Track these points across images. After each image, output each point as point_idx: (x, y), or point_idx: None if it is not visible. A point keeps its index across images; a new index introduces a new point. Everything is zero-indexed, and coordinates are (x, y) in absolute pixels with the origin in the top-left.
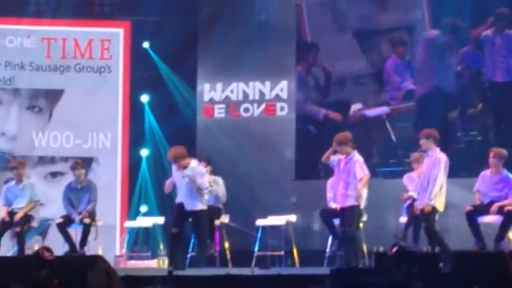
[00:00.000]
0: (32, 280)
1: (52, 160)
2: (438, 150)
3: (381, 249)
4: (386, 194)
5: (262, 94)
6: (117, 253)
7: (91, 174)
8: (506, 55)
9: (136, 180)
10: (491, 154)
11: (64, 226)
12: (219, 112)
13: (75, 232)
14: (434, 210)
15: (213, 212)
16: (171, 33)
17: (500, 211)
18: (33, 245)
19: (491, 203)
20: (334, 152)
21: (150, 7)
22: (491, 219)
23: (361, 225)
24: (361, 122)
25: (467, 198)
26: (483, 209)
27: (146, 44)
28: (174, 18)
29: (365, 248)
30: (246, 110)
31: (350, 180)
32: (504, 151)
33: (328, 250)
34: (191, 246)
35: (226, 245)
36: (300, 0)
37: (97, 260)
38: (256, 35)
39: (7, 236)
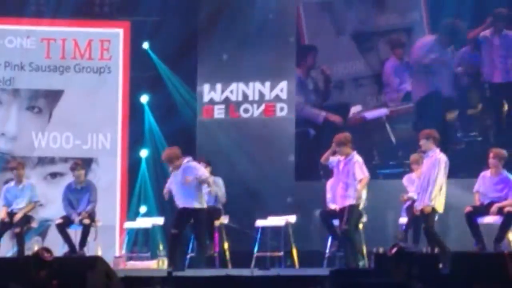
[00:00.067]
0: (31, 281)
1: (52, 160)
2: (438, 150)
3: (381, 250)
4: (386, 195)
5: (261, 94)
6: (117, 254)
7: (91, 175)
8: (505, 55)
9: (135, 180)
10: (491, 155)
11: (63, 227)
12: (218, 112)
13: (75, 233)
14: (433, 211)
15: (212, 212)
16: (171, 34)
17: (500, 212)
18: (32, 246)
19: (491, 204)
20: (334, 153)
21: (150, 7)
22: (491, 220)
23: (360, 226)
24: (361, 124)
25: (467, 198)
26: (483, 210)
27: (145, 45)
28: (174, 19)
29: (364, 249)
30: (246, 110)
31: (349, 181)
32: (504, 152)
33: (327, 251)
34: (190, 246)
35: (226, 246)
36: (297, 2)
37: (97, 261)
38: (256, 35)
39: (6, 236)
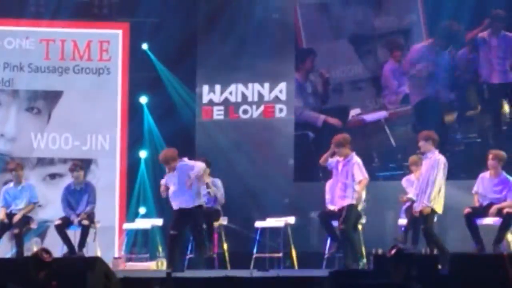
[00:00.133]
0: (30, 282)
1: (51, 161)
2: (437, 152)
3: (380, 251)
4: (385, 196)
5: (261, 95)
6: (116, 254)
7: (90, 176)
8: (503, 57)
9: (134, 181)
10: (490, 156)
11: (62, 227)
12: (218, 113)
13: (74, 234)
14: (432, 212)
15: (211, 214)
16: (170, 35)
17: (499, 213)
18: (31, 247)
19: (490, 205)
20: (333, 154)
21: (149, 8)
22: (490, 221)
23: (360, 227)
24: (360, 127)
25: (466, 200)
26: (482, 211)
27: (145, 46)
28: (173, 20)
29: (364, 250)
30: (245, 111)
31: (347, 181)
32: (503, 153)
33: (326, 252)
34: (189, 248)
35: (225, 247)
36: (294, 4)
37: (96, 262)
38: (255, 36)
39: (6, 237)
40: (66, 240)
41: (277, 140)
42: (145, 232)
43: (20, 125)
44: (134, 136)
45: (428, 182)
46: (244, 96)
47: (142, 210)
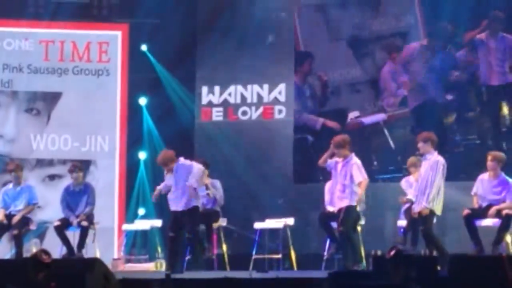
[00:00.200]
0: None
1: (50, 162)
2: (436, 153)
3: (379, 252)
4: (384, 198)
5: (260, 97)
6: (115, 256)
7: (89, 177)
8: (501, 58)
9: (134, 183)
10: (489, 158)
11: (61, 229)
12: (217, 115)
13: (73, 235)
14: (431, 213)
15: (211, 215)
16: (169, 36)
17: (498, 214)
18: (31, 248)
19: (489, 206)
20: (332, 155)
21: (148, 10)
22: (489, 223)
23: (359, 228)
24: (359, 129)
25: (465, 201)
26: (481, 212)
27: (144, 47)
28: (172, 21)
29: (363, 251)
30: (244, 113)
31: (346, 182)
32: (502, 154)
33: (326, 253)
34: (188, 249)
35: (224, 248)
36: (293, 6)
37: (95, 263)
38: (254, 37)
39: (5, 238)
40: (65, 241)
41: (276, 141)
42: (144, 233)
43: (20, 126)
44: (133, 137)
45: (427, 184)
46: (243, 98)
47: (141, 211)
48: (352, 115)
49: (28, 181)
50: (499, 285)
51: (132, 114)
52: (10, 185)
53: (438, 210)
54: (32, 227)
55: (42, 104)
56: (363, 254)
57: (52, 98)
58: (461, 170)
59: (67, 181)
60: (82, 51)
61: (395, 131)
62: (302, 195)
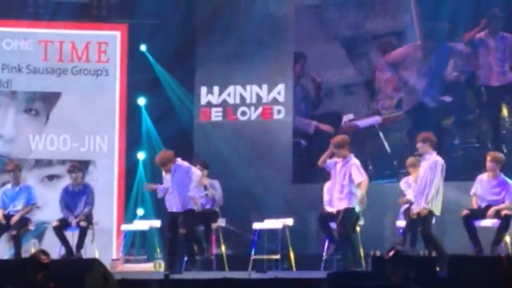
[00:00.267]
0: (28, 284)
1: (49, 163)
2: (435, 153)
3: (378, 253)
4: (383, 198)
5: (259, 97)
6: (114, 256)
7: (88, 177)
8: (501, 58)
9: (133, 183)
10: (489, 158)
11: (60, 229)
12: (216, 115)
13: (72, 235)
14: (430, 213)
15: (209, 215)
16: (168, 36)
17: (497, 215)
18: (29, 248)
19: (488, 207)
20: (331, 155)
21: (148, 10)
22: (488, 223)
23: (358, 229)
24: (353, 133)
25: (464, 202)
26: (480, 213)
27: (143, 47)
28: (172, 21)
29: (362, 252)
30: (243, 113)
31: (345, 183)
32: (501, 155)
33: (325, 253)
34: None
35: (223, 248)
36: (292, 6)
37: (94, 263)
38: (253, 38)
39: (3, 239)
40: (64, 241)
41: (276, 141)
42: (143, 233)
43: (18, 127)
44: (132, 138)
45: (426, 184)
46: (242, 98)
47: (140, 211)
48: (346, 118)
49: (27, 181)
50: (498, 286)
51: (131, 114)
52: (9, 185)
53: (437, 211)
54: (31, 227)
55: (41, 104)
56: (362, 254)
57: (51, 98)
58: (460, 170)
59: (66, 181)
60: (81, 51)
61: (391, 135)
62: (301, 196)
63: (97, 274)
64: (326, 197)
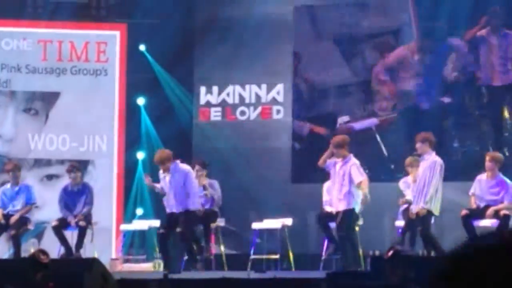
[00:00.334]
0: (28, 283)
1: (48, 162)
2: (433, 153)
3: (377, 252)
4: (382, 198)
5: (258, 97)
6: (113, 256)
7: (87, 177)
8: (504, 56)
9: (132, 183)
10: (488, 158)
11: (59, 229)
12: (215, 115)
13: (71, 235)
14: (429, 213)
15: (209, 215)
16: (168, 36)
17: (496, 215)
18: (29, 248)
19: (487, 207)
20: (331, 155)
21: (147, 10)
22: (487, 223)
23: (357, 229)
24: (349, 136)
25: (463, 201)
26: (479, 213)
27: (142, 47)
28: (171, 21)
29: (361, 251)
30: (243, 113)
31: (345, 183)
32: (500, 155)
33: (324, 253)
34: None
35: (222, 248)
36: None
37: (93, 263)
38: (252, 38)
39: (3, 238)
40: (63, 241)
41: (275, 141)
42: (142, 233)
43: (18, 126)
44: (131, 137)
45: (425, 184)
46: (241, 98)
47: (139, 211)
48: (341, 120)
49: (26, 181)
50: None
51: (130, 114)
52: (8, 185)
53: (436, 211)
54: (30, 227)
55: (40, 104)
56: (361, 254)
57: (50, 98)
58: (459, 171)
59: (65, 181)
60: (80, 51)
61: (388, 137)
62: (300, 195)
63: (96, 274)
64: (325, 197)
